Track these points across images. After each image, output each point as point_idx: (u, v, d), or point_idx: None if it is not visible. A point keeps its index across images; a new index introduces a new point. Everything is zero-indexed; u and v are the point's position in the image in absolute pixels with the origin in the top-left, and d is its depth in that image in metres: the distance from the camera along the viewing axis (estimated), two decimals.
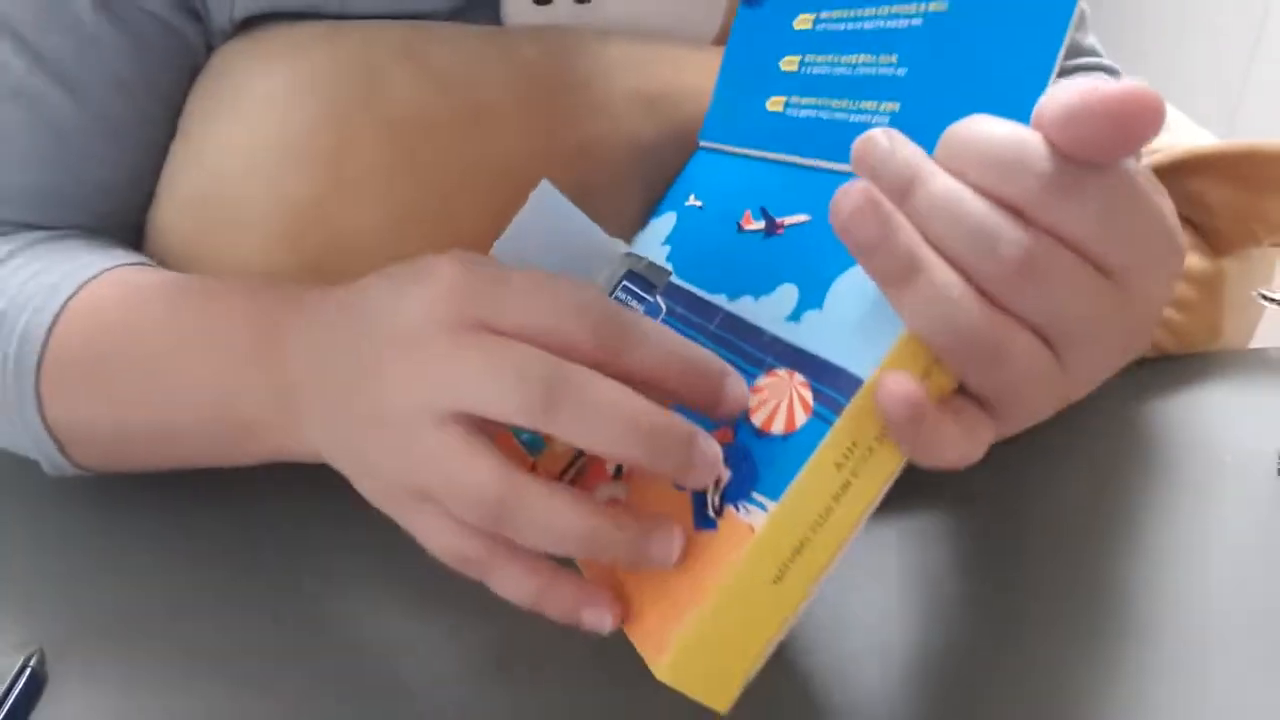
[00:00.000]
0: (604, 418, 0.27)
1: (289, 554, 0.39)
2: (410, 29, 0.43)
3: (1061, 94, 0.25)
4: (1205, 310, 0.62)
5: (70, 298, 0.40)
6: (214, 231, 0.43)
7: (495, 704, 0.35)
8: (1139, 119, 0.24)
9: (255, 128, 0.41)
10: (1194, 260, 0.62)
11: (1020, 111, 0.27)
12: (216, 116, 0.43)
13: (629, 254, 0.41)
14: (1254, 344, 0.66)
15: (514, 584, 0.30)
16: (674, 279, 0.38)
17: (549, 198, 0.38)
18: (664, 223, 0.43)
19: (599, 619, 0.30)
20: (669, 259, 0.40)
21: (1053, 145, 0.25)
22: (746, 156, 0.40)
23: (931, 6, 0.31)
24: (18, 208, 0.44)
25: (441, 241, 0.41)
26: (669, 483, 0.31)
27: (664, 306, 0.38)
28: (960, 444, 0.27)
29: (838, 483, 0.28)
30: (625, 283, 0.41)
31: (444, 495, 0.29)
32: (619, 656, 0.31)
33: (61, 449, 0.41)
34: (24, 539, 0.41)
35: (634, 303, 0.40)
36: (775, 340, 0.31)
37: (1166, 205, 0.27)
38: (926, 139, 0.29)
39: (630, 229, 0.44)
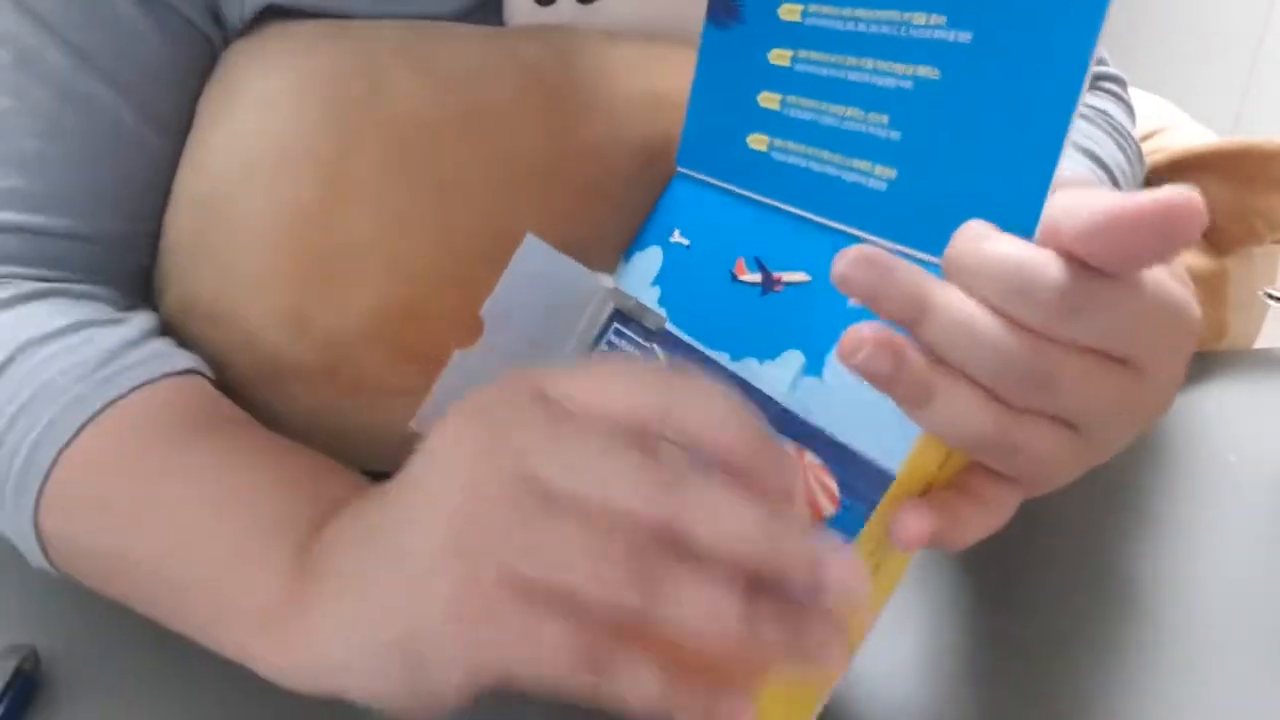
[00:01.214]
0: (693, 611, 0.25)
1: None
2: (411, 30, 0.43)
3: (1086, 207, 0.25)
4: (1210, 309, 0.61)
5: (92, 419, 0.36)
6: (214, 231, 0.42)
7: (496, 703, 0.35)
8: (1182, 226, 0.24)
9: (255, 130, 0.41)
10: (1197, 259, 0.62)
11: (1026, 197, 0.27)
12: (217, 117, 0.43)
13: (615, 289, 0.40)
14: (1259, 344, 0.66)
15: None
16: (669, 326, 0.38)
17: (536, 251, 0.38)
18: (649, 259, 0.42)
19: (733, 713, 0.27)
20: (661, 303, 0.39)
21: (1068, 259, 0.25)
22: (730, 192, 0.39)
23: (921, 71, 0.30)
24: (73, 209, 0.43)
25: (441, 245, 0.41)
26: None
27: (662, 359, 0.37)
28: (985, 525, 0.28)
29: (869, 565, 0.29)
30: (616, 324, 0.40)
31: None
32: None
33: (45, 553, 0.37)
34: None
35: (628, 347, 0.39)
36: (787, 413, 0.30)
37: (1173, 286, 0.27)
38: (927, 212, 0.29)
39: (638, 229, 0.44)
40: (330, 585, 0.31)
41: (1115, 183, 0.52)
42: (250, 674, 0.35)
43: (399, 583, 0.28)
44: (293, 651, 0.31)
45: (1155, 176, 0.62)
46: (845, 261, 0.26)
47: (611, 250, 0.44)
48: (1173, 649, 0.39)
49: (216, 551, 0.34)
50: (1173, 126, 0.66)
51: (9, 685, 0.34)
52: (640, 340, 0.39)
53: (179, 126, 0.44)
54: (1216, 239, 0.62)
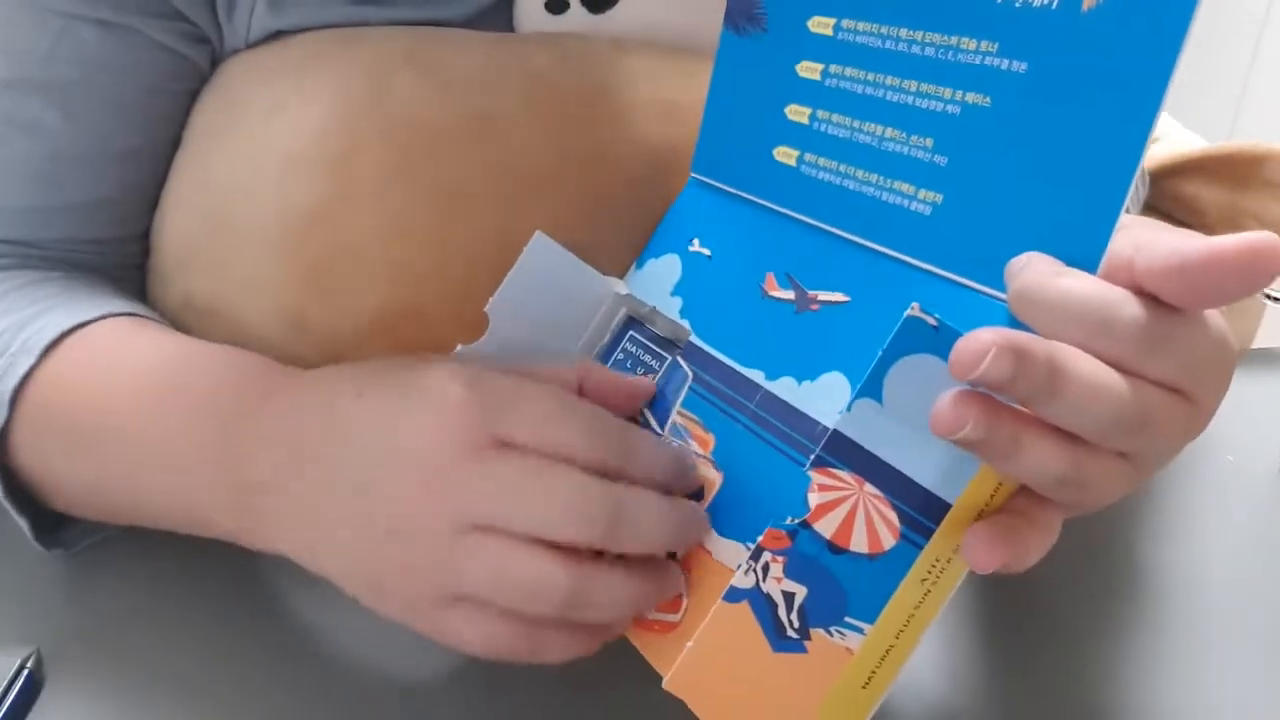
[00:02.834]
0: (655, 533, 0.31)
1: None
2: (418, 36, 0.43)
3: (1164, 246, 0.25)
4: None
5: (45, 353, 0.40)
6: (217, 239, 0.43)
7: (497, 703, 0.35)
8: (1264, 268, 0.24)
9: (259, 137, 0.42)
10: None
11: (1092, 231, 0.26)
12: (221, 126, 0.43)
13: (628, 295, 0.40)
14: (1257, 344, 0.66)
15: (567, 652, 0.32)
16: (694, 339, 0.37)
17: (544, 249, 0.37)
18: (666, 267, 0.41)
19: None
20: (683, 314, 0.38)
21: (1142, 297, 0.26)
22: (753, 203, 0.38)
23: (969, 98, 0.30)
24: (14, 227, 0.45)
25: (444, 251, 0.41)
26: (723, 573, 0.31)
27: (689, 372, 0.36)
28: (1040, 548, 0.28)
29: (921, 593, 0.29)
30: (632, 332, 0.39)
31: (497, 594, 0.30)
32: (618, 655, 0.32)
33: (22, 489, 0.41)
34: (21, 541, 0.41)
35: (649, 359, 0.38)
36: (842, 438, 0.29)
37: (1221, 321, 0.28)
38: (977, 240, 0.29)
39: (646, 239, 0.44)
40: (277, 503, 0.34)
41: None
42: (252, 673, 0.36)
43: (358, 528, 0.32)
44: (264, 543, 0.35)
45: (1150, 181, 0.62)
46: (985, 362, 0.24)
47: (617, 258, 0.44)
48: (1171, 646, 0.39)
49: (165, 483, 0.37)
50: (1167, 136, 0.67)
51: (12, 684, 0.34)
52: (655, 348, 0.38)
53: (139, 150, 0.44)
54: None
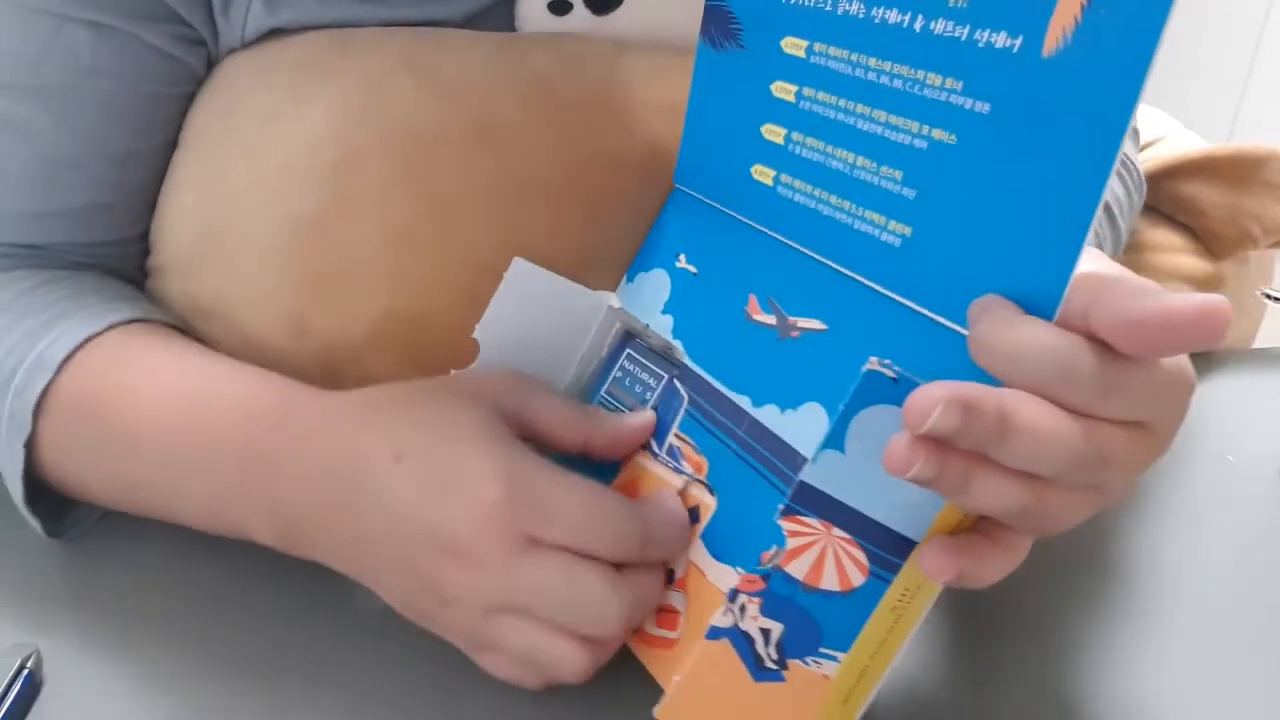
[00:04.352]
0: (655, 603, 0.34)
1: (289, 555, 0.39)
2: (416, 39, 0.43)
3: (1118, 299, 0.26)
4: None
5: (63, 364, 0.40)
6: (217, 243, 0.43)
7: (499, 702, 0.35)
8: (1211, 331, 0.25)
9: (258, 144, 0.42)
10: (1193, 263, 0.63)
11: (1050, 277, 0.27)
12: (220, 130, 0.43)
13: (620, 309, 0.39)
14: (1257, 344, 0.66)
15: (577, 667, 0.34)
16: (686, 360, 0.37)
17: (524, 275, 0.38)
18: (655, 282, 0.41)
19: None
20: (675, 334, 0.38)
21: (1097, 343, 0.26)
22: (733, 219, 0.38)
23: (935, 134, 0.30)
24: (14, 231, 0.45)
25: (444, 257, 0.41)
26: (716, 596, 0.32)
27: (685, 395, 0.37)
28: (1003, 566, 0.29)
29: (893, 619, 0.31)
30: (629, 350, 0.39)
31: (530, 662, 0.33)
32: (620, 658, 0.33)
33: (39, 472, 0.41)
34: (21, 541, 0.41)
35: (646, 376, 0.38)
36: (809, 488, 0.29)
37: (1179, 355, 0.28)
38: (943, 276, 0.30)
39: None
40: (324, 542, 0.36)
41: (1111, 217, 0.53)
42: (252, 672, 0.36)
43: (408, 581, 0.34)
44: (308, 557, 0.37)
45: (1149, 182, 0.62)
46: (933, 417, 0.25)
47: (621, 261, 0.44)
48: (1170, 646, 0.39)
49: (197, 504, 0.39)
50: (1167, 137, 0.67)
51: (12, 684, 0.34)
52: (652, 366, 0.38)
53: (134, 153, 0.44)
54: (1211, 243, 0.63)
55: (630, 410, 0.38)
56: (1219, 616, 0.41)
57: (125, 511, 0.41)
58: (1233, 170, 0.60)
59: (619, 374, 0.39)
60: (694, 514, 0.34)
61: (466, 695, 0.36)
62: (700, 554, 0.33)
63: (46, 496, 0.42)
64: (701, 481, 0.34)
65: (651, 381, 0.38)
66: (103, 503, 0.42)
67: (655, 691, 0.31)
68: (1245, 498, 0.49)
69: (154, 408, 0.39)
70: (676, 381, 0.37)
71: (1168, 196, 0.62)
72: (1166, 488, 0.49)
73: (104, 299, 0.43)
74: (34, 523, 0.41)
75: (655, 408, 0.37)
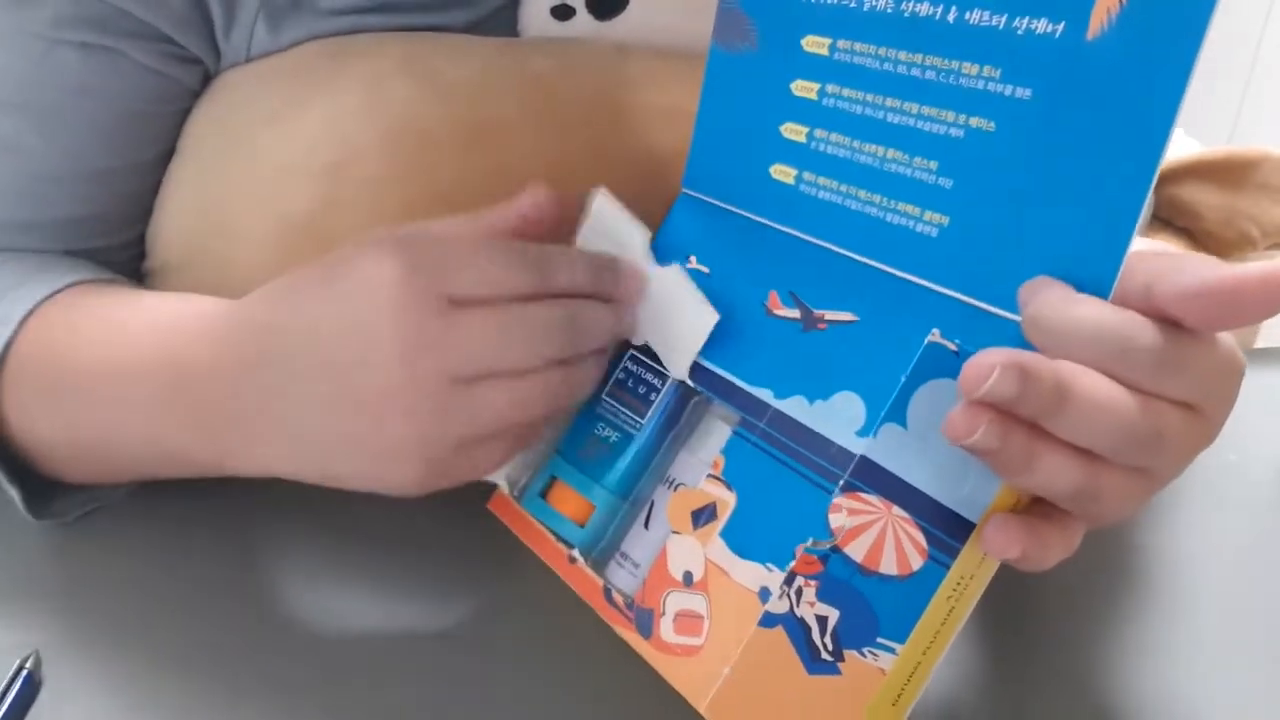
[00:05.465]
0: (606, 324, 0.36)
1: (285, 554, 0.39)
2: (415, 42, 0.43)
3: (1183, 273, 0.26)
4: None
5: (26, 317, 0.41)
6: (211, 244, 0.43)
7: (499, 701, 0.35)
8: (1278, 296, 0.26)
9: (254, 143, 0.42)
10: None
11: (1104, 256, 0.27)
12: (216, 133, 0.44)
13: None
14: (1258, 344, 0.66)
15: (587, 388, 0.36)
16: (699, 358, 0.36)
17: (606, 205, 0.38)
18: None
19: None
20: None
21: (1155, 320, 0.27)
22: (749, 219, 0.38)
23: (973, 122, 0.30)
24: (8, 237, 0.45)
25: None
26: (744, 594, 0.31)
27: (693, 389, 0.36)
28: (1060, 550, 0.29)
29: (946, 610, 0.30)
30: (633, 350, 0.38)
31: (514, 419, 0.33)
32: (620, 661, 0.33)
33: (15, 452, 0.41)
34: (20, 541, 0.42)
35: (650, 376, 0.38)
36: (853, 456, 0.30)
37: (1230, 338, 0.29)
38: (987, 262, 0.30)
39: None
40: (257, 430, 0.35)
41: None
42: (251, 672, 0.36)
43: (355, 421, 0.33)
44: (249, 467, 0.36)
45: None
46: (991, 379, 0.25)
47: None
48: (1173, 647, 0.39)
49: (132, 430, 0.38)
50: None
51: (11, 684, 0.35)
52: (657, 365, 0.37)
53: (121, 168, 0.45)
54: (1210, 246, 0.63)
55: (631, 414, 0.38)
56: (1220, 616, 0.41)
57: (78, 464, 0.41)
58: (1226, 173, 0.60)
59: (621, 375, 0.39)
60: (711, 511, 0.33)
61: (468, 694, 0.36)
62: (720, 552, 0.32)
63: (32, 481, 0.42)
64: (718, 478, 0.34)
65: (656, 381, 0.37)
66: (59, 458, 0.41)
67: (656, 701, 0.31)
68: (1246, 498, 0.49)
69: (91, 344, 0.39)
70: (689, 381, 0.36)
71: (1164, 201, 0.63)
72: (1167, 487, 0.49)
73: (72, 267, 0.43)
74: (13, 493, 0.40)
75: (659, 412, 0.37)
